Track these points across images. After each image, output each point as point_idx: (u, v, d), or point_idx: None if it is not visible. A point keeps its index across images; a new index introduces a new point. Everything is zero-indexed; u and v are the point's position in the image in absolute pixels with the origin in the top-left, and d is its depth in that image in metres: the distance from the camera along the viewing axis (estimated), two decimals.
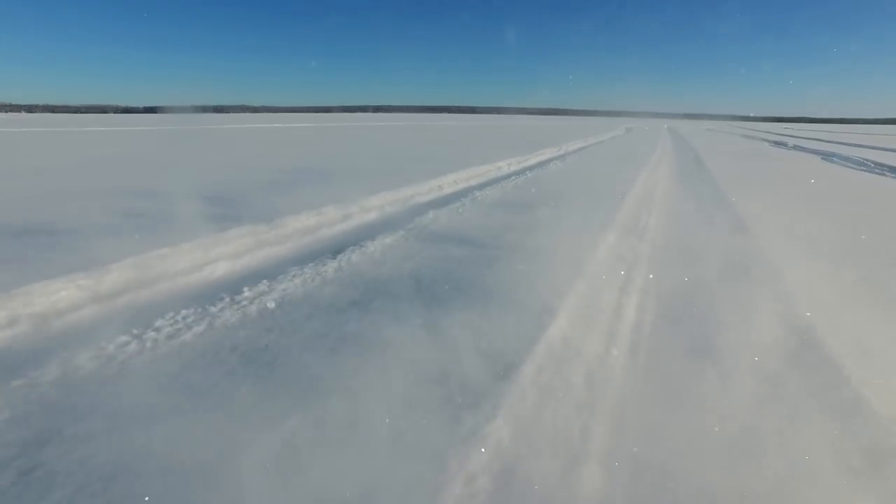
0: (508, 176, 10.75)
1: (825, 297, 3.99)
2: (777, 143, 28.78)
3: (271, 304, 3.48)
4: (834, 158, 17.79)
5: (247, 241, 4.80)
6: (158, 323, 3.18)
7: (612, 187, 8.83)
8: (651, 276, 4.48)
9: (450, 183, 9.20)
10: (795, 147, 25.48)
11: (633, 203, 7.59)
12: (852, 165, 15.54)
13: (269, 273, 4.15)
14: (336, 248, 4.90)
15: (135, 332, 3.06)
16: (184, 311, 3.35)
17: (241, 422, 2.23)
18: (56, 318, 3.24)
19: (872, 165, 15.23)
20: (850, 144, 26.87)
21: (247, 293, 3.68)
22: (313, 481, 1.91)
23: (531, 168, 12.74)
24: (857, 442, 2.33)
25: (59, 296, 3.36)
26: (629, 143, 26.97)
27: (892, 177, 12.77)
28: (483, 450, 2.06)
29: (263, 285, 3.85)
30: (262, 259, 4.64)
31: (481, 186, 9.16)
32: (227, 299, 3.57)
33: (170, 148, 17.55)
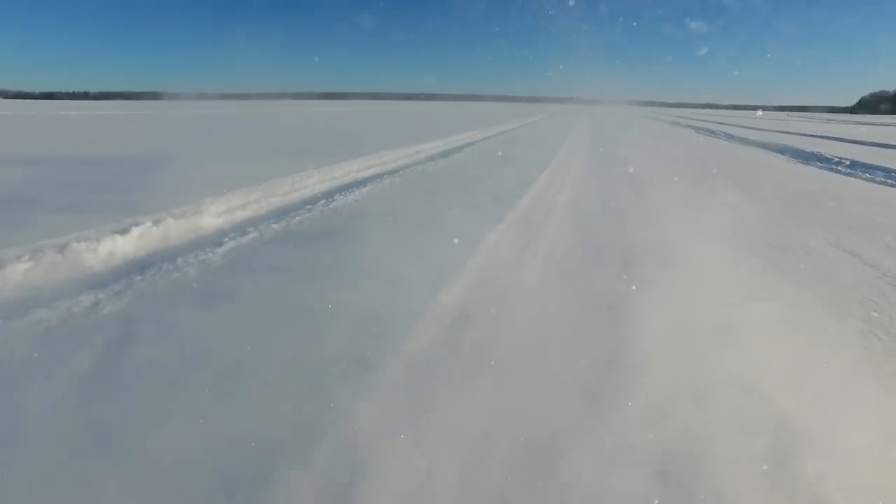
0: (488, 137, 16.34)
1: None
2: (673, 123, 36.37)
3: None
4: (701, 130, 24.90)
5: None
6: (406, 172, 8.37)
7: (556, 135, 14.62)
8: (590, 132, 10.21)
9: (455, 140, 14.57)
10: (686, 125, 32.96)
11: (571, 135, 13.39)
12: (706, 133, 22.52)
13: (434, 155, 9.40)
14: (443, 153, 10.25)
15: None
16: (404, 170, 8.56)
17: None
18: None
19: (721, 133, 22.23)
20: (728, 124, 34.80)
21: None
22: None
23: (497, 135, 18.39)
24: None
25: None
26: (560, 119, 33.43)
27: (720, 137, 19.63)
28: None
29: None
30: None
31: (476, 142, 14.65)
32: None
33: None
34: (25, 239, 3.86)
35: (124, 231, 4.43)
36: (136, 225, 4.57)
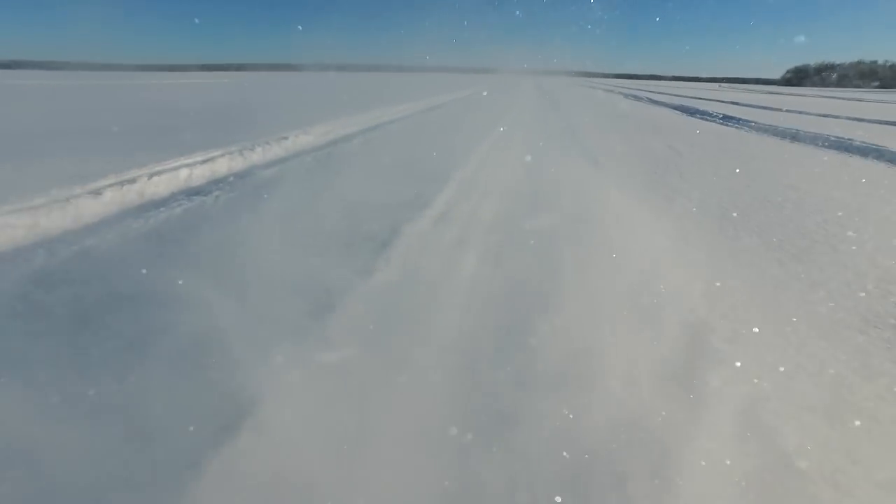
0: (458, 100, 20.03)
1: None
2: (606, 91, 41.10)
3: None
4: (630, 95, 29.56)
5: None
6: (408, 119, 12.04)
7: (513, 92, 18.56)
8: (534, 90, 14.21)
9: (433, 101, 18.15)
10: (617, 92, 37.68)
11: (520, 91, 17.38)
12: (631, 97, 27.17)
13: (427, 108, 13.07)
14: (431, 108, 13.94)
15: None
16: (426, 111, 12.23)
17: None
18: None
19: (645, 98, 26.85)
20: (653, 92, 39.80)
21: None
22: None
23: (467, 97, 22.06)
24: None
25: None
26: (505, 85, 37.42)
27: (640, 99, 24.23)
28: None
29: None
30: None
31: (448, 102, 18.32)
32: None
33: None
34: (249, 138, 7.45)
35: (284, 139, 8.03)
36: (286, 139, 8.16)
